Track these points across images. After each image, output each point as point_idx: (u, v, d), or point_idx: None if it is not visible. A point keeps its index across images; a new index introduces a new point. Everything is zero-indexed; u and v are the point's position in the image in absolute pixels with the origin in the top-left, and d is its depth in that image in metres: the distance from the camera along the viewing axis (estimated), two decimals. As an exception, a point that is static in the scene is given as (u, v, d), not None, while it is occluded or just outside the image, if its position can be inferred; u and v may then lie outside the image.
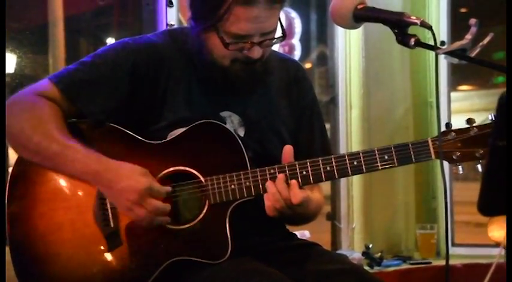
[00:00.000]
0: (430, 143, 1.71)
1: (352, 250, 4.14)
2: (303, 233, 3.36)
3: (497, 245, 2.44)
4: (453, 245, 4.33)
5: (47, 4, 4.04)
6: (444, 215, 2.27)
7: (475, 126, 1.70)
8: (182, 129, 1.80)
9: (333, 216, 4.32)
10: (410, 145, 1.73)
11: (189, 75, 1.87)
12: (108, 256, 1.77)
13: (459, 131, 1.71)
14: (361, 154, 1.74)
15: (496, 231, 2.42)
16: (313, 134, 2.02)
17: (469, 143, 1.70)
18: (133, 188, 1.69)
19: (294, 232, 2.08)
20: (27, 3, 3.86)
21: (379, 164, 1.73)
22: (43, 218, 1.81)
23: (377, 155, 1.73)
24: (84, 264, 1.79)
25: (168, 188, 1.74)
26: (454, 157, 1.71)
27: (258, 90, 1.92)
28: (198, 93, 1.87)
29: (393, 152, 1.73)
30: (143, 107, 1.84)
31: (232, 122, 1.89)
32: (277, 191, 1.72)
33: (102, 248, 1.78)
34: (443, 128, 1.72)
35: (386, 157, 1.73)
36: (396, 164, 1.74)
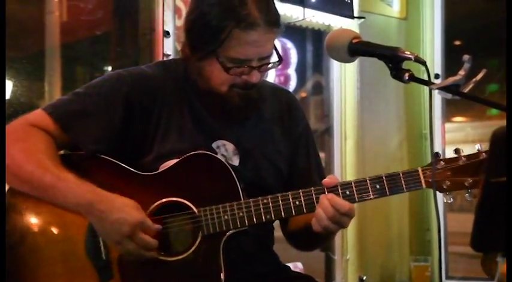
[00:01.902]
0: (421, 173, 1.73)
1: (346, 282, 4.11)
2: (295, 265, 3.35)
3: (491, 278, 2.43)
4: (447, 277, 4.31)
5: (44, 32, 4.06)
6: (438, 248, 2.26)
7: (464, 156, 1.72)
8: (174, 161, 1.80)
9: (327, 247, 4.30)
10: (401, 174, 1.74)
11: (182, 106, 1.88)
12: (100, 289, 1.75)
13: (448, 160, 1.73)
14: (353, 183, 1.75)
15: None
16: (310, 162, 2.03)
17: (458, 172, 1.72)
18: (126, 221, 1.68)
19: (287, 264, 2.07)
20: (24, 31, 3.88)
21: (371, 193, 1.74)
22: (33, 251, 1.79)
23: (369, 184, 1.74)
24: None
25: (159, 226, 1.74)
26: (444, 186, 1.72)
27: (252, 118, 1.93)
28: (190, 124, 1.87)
29: (384, 182, 1.74)
30: (135, 139, 1.84)
31: (227, 151, 1.89)
32: (329, 203, 1.71)
33: (93, 281, 1.76)
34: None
35: (378, 186, 1.74)
36: (388, 194, 1.75)
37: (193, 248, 1.75)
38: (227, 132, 1.89)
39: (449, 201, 1.74)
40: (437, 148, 4.42)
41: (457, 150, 1.74)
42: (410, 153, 4.60)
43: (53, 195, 1.74)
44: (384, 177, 1.74)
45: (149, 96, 1.85)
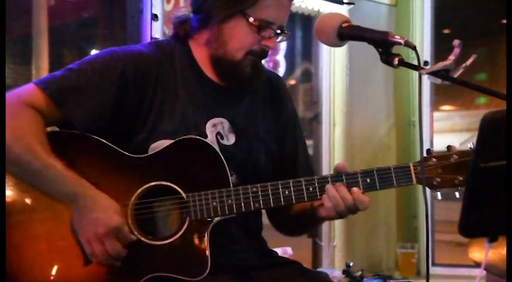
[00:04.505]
0: (412, 168, 1.72)
1: (333, 268, 4.14)
2: (285, 250, 3.35)
3: (477, 265, 2.45)
4: (434, 264, 4.35)
5: (31, 14, 4.02)
6: (425, 234, 2.27)
7: (455, 154, 1.71)
8: (165, 141, 1.79)
9: (314, 234, 4.31)
10: (392, 169, 1.73)
11: (176, 85, 1.87)
12: (85, 270, 1.74)
13: (440, 157, 1.72)
14: (344, 176, 1.74)
15: (477, 252, 2.43)
16: (297, 145, 2.02)
17: (449, 170, 1.70)
18: (104, 223, 1.68)
19: (276, 249, 2.07)
20: (11, 13, 3.84)
21: (361, 186, 1.73)
22: (18, 229, 1.77)
23: (359, 177, 1.74)
24: (59, 278, 1.75)
25: (135, 238, 1.73)
26: (434, 183, 1.71)
27: (246, 98, 1.92)
28: (185, 103, 1.85)
29: (375, 176, 1.73)
30: (129, 117, 1.82)
31: (223, 128, 1.88)
32: (340, 196, 1.72)
33: (79, 261, 1.75)
34: (424, 152, 1.73)
35: (368, 180, 1.73)
36: (378, 188, 1.74)
37: (180, 233, 1.74)
38: (222, 111, 1.89)
39: (438, 199, 1.73)
40: (426, 137, 4.43)
41: (449, 148, 1.72)
42: (399, 140, 4.60)
43: (39, 181, 1.73)
44: (375, 171, 1.73)
45: (144, 74, 1.83)
